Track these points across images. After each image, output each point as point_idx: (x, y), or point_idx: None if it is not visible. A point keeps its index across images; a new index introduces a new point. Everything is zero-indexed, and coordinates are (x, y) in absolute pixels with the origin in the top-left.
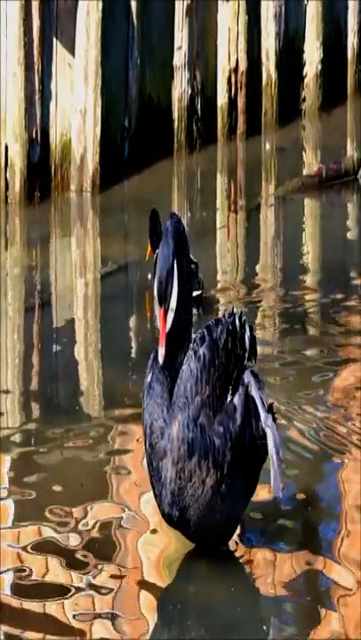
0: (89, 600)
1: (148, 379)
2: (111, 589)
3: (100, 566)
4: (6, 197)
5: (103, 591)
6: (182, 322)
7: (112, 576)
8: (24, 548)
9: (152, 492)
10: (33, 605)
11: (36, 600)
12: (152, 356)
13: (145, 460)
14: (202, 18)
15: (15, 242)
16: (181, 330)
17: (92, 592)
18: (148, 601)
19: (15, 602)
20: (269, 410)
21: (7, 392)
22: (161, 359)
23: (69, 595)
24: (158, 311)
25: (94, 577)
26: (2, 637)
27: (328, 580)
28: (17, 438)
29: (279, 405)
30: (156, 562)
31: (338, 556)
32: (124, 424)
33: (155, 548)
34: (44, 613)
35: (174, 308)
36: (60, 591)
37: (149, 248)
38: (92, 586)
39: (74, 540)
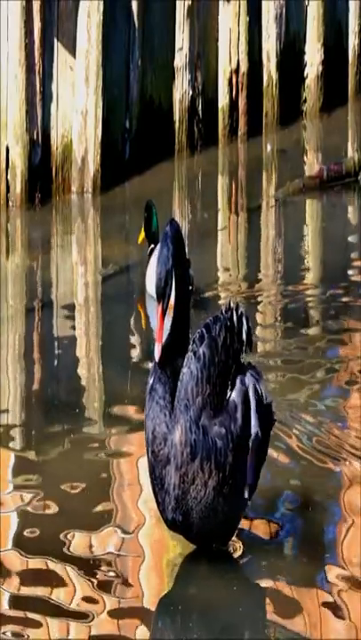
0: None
1: (151, 381)
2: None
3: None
4: (7, 199)
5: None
6: (181, 322)
7: (110, 577)
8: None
9: (154, 500)
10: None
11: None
12: (154, 362)
13: (147, 468)
14: (203, 19)
15: (16, 243)
16: (180, 330)
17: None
18: (148, 602)
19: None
20: (268, 408)
21: (8, 393)
22: (157, 356)
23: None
24: (156, 309)
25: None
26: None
27: (329, 580)
28: (17, 438)
29: (280, 408)
30: (158, 563)
31: (338, 557)
32: (124, 425)
33: (156, 548)
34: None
35: (172, 306)
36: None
37: (143, 234)
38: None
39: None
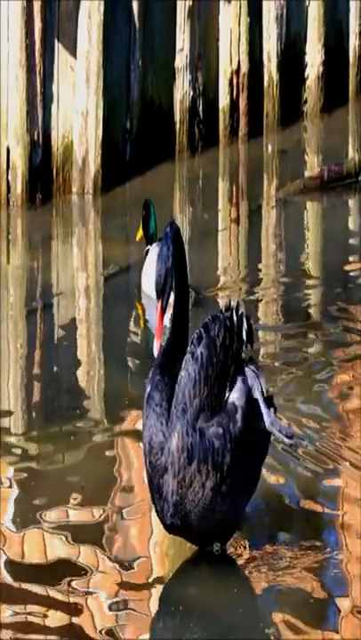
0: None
1: (148, 389)
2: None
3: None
4: (8, 200)
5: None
6: (180, 325)
7: (113, 582)
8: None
9: (153, 508)
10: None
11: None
12: (152, 369)
13: (145, 478)
14: (203, 20)
15: (17, 244)
16: (179, 333)
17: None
18: (149, 602)
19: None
20: (270, 402)
21: (9, 392)
22: (156, 353)
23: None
24: (155, 306)
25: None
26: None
27: (329, 581)
28: (18, 440)
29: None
30: (159, 564)
31: (338, 557)
32: (124, 426)
33: (156, 550)
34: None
35: (172, 304)
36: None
37: (141, 232)
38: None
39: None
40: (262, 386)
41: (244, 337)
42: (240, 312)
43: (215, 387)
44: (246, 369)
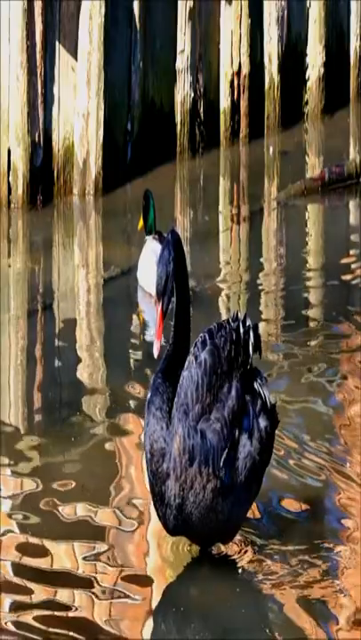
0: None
1: (149, 395)
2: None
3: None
4: (9, 201)
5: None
6: (182, 332)
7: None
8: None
9: (156, 514)
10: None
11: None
12: (153, 375)
13: (148, 485)
14: (204, 21)
15: (18, 245)
16: (181, 340)
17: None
18: (150, 603)
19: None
20: (272, 410)
21: (9, 394)
22: (156, 352)
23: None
24: (155, 307)
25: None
26: None
27: (330, 583)
28: (18, 441)
29: (283, 405)
30: (160, 565)
31: (338, 559)
32: (125, 426)
33: (157, 551)
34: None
35: (172, 305)
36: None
37: (141, 222)
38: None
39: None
40: (266, 394)
41: (251, 350)
42: (247, 324)
43: (218, 395)
44: (250, 379)
